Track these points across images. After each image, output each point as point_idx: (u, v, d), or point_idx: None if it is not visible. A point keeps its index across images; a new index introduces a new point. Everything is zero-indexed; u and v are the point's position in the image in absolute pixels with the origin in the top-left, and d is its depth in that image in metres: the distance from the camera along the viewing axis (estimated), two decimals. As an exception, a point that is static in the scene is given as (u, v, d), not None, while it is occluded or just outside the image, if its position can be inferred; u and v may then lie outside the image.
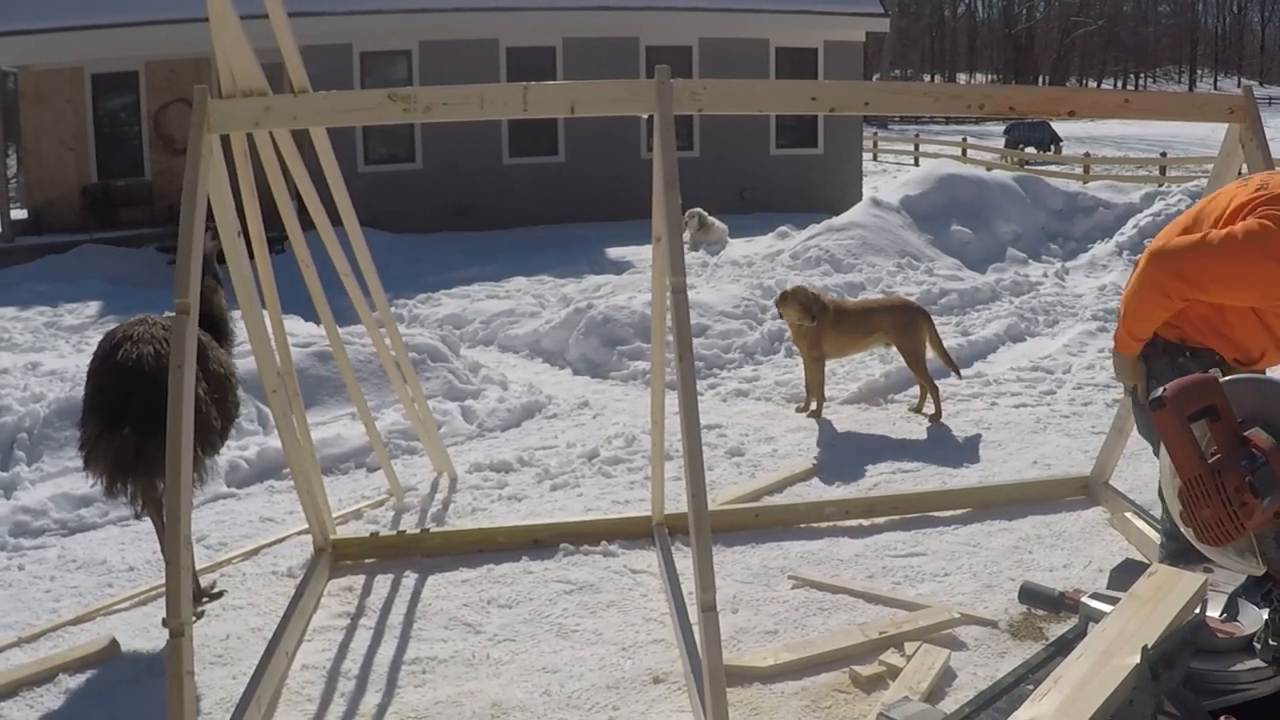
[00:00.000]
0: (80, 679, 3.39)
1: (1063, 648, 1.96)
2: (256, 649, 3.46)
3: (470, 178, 15.50)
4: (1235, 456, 1.81)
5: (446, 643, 3.60)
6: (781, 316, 6.48)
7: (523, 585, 4.01)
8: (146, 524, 4.62)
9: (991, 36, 67.77)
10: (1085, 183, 17.10)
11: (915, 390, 6.32)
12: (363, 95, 3.74)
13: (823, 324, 6.12)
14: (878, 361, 7.05)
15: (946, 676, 3.24)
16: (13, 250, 13.48)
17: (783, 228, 12.42)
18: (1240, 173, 3.86)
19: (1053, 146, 27.72)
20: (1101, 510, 4.52)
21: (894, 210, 11.26)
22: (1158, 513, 4.07)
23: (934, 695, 3.11)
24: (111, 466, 3.59)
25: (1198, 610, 1.87)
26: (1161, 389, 1.84)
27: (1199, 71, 70.33)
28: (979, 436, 5.74)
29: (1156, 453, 3.08)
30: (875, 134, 32.52)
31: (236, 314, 3.97)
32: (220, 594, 4.00)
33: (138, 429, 3.54)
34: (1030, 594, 3.36)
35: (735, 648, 3.45)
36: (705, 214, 12.82)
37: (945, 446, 5.60)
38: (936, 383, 6.15)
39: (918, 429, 5.92)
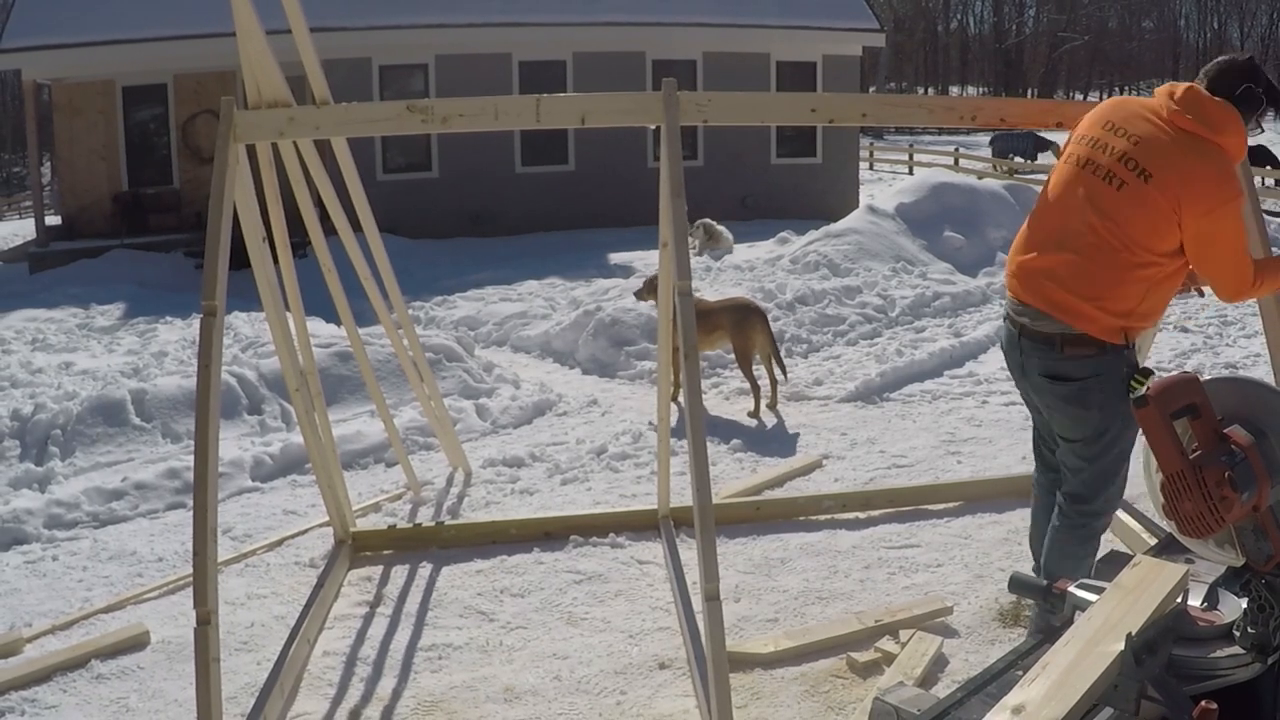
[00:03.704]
0: (112, 664, 3.49)
1: (1050, 635, 2.03)
2: (280, 636, 3.57)
3: (485, 186, 15.60)
4: (1215, 453, 1.85)
5: (461, 630, 3.69)
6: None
7: (534, 575, 4.10)
8: (175, 516, 4.77)
9: (983, 51, 67.50)
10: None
11: (911, 389, 6.37)
12: (382, 107, 3.74)
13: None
14: (874, 361, 7.15)
15: (939, 662, 3.33)
16: (47, 255, 13.66)
17: (783, 234, 12.50)
18: None
19: (1039, 156, 27.73)
20: (1089, 505, 4.62)
21: (889, 217, 11.32)
22: (1140, 507, 4.17)
23: (927, 680, 3.20)
24: None
25: (1179, 600, 1.87)
26: (1145, 388, 1.88)
27: (1181, 83, 69.78)
28: (971, 433, 5.82)
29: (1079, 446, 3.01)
30: (871, 144, 32.52)
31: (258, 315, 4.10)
32: None
33: None
34: (1019, 584, 3.39)
35: (737, 635, 3.54)
36: (713, 223, 13.01)
37: (938, 443, 5.68)
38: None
39: (912, 426, 6.01)
